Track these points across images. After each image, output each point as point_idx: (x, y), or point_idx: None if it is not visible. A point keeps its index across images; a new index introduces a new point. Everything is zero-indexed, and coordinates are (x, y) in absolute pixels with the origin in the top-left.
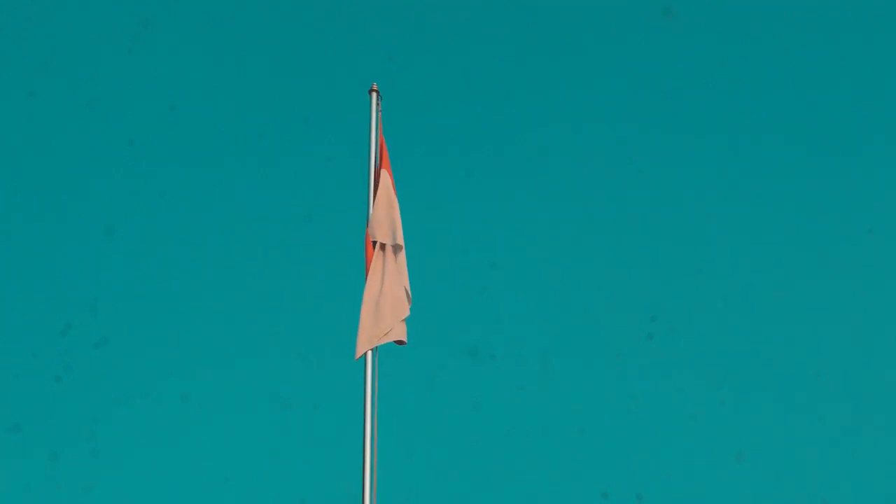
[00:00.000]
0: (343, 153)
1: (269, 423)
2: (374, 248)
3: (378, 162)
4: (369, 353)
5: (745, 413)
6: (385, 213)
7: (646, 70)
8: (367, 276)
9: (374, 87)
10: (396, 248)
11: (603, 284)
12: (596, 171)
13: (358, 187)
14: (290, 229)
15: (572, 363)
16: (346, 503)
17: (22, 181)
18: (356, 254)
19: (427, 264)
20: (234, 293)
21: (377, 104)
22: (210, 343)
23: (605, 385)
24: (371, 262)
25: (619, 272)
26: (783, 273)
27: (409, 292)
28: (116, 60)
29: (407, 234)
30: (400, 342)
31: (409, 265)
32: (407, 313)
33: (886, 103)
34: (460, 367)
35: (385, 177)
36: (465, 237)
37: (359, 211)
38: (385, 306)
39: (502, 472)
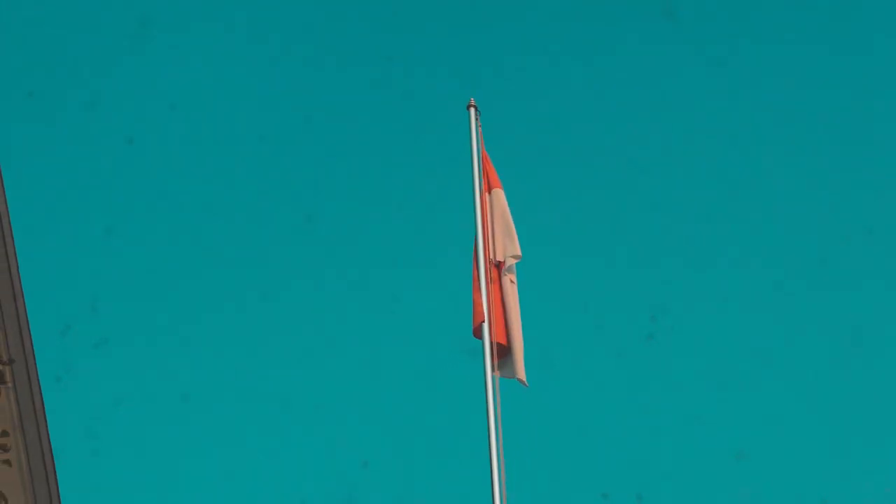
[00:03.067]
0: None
1: (268, 424)
2: (497, 268)
3: (482, 178)
4: (489, 375)
5: (745, 413)
6: (503, 231)
7: (646, 70)
8: (486, 296)
9: (472, 103)
10: (509, 263)
11: (603, 284)
12: (596, 170)
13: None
14: (291, 230)
15: (572, 363)
16: (344, 503)
17: (22, 181)
18: (356, 256)
19: (427, 264)
20: (235, 293)
21: (476, 119)
22: (210, 343)
23: (605, 385)
24: (498, 283)
25: (619, 272)
26: (783, 273)
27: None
28: (116, 60)
29: (406, 234)
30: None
31: (409, 265)
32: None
33: (887, 104)
34: (460, 366)
35: (499, 195)
36: (463, 236)
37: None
38: (521, 340)
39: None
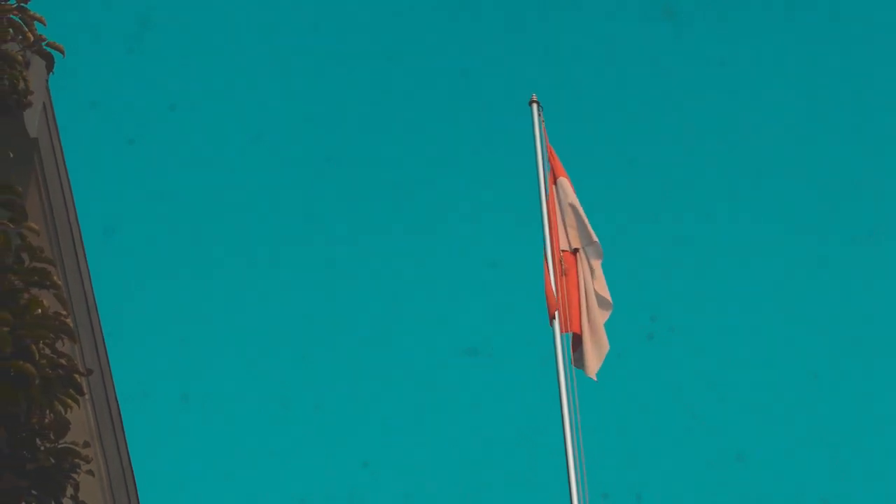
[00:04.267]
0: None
1: (268, 424)
2: (572, 258)
3: (548, 171)
4: (562, 367)
5: (745, 413)
6: (574, 219)
7: (646, 70)
8: (558, 290)
9: (534, 98)
10: (592, 251)
11: None
12: (596, 170)
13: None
14: (292, 229)
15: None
16: (344, 503)
17: None
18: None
19: (428, 264)
20: (235, 293)
21: (539, 114)
22: (210, 343)
23: (605, 385)
24: (576, 273)
25: (619, 272)
26: (783, 273)
27: (609, 298)
28: (116, 60)
29: (407, 235)
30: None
31: (408, 265)
32: (608, 347)
33: (887, 104)
34: (460, 366)
35: (565, 185)
36: (464, 237)
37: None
38: (599, 328)
39: (502, 471)
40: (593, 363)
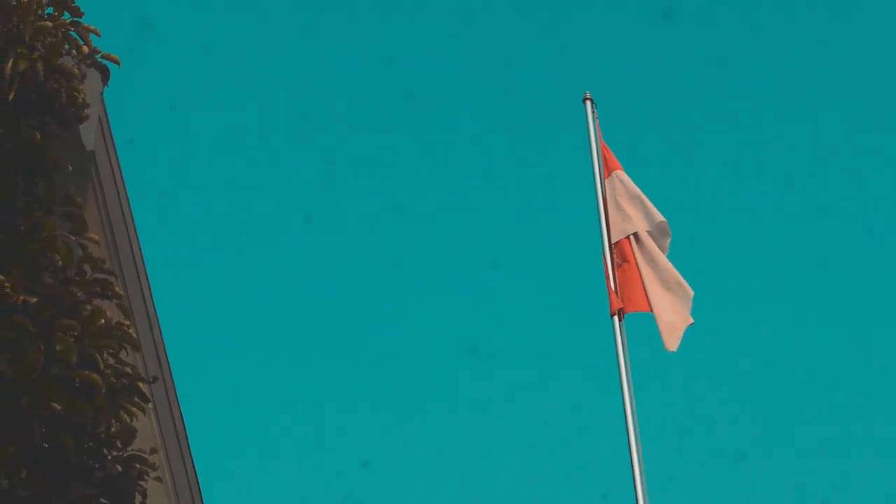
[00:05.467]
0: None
1: (269, 424)
2: (629, 244)
3: (602, 168)
4: (622, 361)
5: (745, 413)
6: (639, 204)
7: (646, 70)
8: (614, 277)
9: (588, 96)
10: (657, 232)
11: (603, 284)
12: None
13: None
14: (291, 230)
15: (572, 362)
16: (343, 502)
17: None
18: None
19: (428, 264)
20: (235, 293)
21: (593, 112)
22: (210, 342)
23: (606, 385)
24: (632, 257)
25: None
26: (783, 273)
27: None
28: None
29: (407, 235)
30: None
31: (414, 265)
32: (692, 292)
33: (887, 103)
34: (460, 366)
35: (621, 175)
36: (464, 237)
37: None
38: (675, 290)
39: (502, 471)
40: (667, 336)
